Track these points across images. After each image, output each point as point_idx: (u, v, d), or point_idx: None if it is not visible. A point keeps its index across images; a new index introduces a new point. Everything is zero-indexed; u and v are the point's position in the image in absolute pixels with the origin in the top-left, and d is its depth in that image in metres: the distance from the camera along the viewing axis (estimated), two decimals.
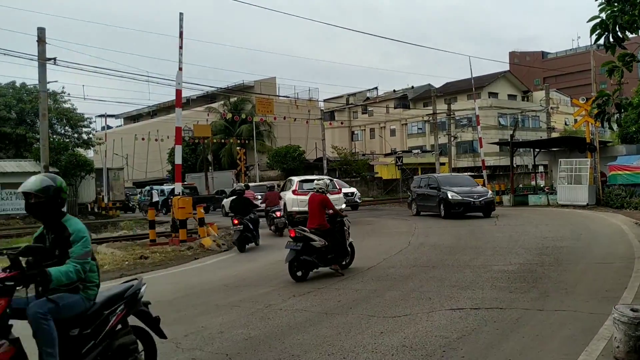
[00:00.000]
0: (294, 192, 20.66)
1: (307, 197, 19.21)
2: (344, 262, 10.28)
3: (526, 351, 5.17)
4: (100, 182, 43.39)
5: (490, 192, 22.42)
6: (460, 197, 20.27)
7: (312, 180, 20.84)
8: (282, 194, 21.76)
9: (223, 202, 31.59)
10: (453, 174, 27.85)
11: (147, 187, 42.87)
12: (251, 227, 15.06)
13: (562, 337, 5.55)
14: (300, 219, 19.19)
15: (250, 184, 26.88)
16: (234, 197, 16.75)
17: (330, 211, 10.16)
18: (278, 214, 18.04)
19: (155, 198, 36.37)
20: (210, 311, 7.56)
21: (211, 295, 8.74)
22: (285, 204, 20.58)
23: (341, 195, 21.99)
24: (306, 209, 19.36)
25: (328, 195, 10.74)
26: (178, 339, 6.14)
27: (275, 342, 5.83)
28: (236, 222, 14.97)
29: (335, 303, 7.63)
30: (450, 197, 20.36)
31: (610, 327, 5.14)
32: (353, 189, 31.67)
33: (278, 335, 6.13)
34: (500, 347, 5.31)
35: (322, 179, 11.07)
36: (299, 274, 9.56)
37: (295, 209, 20.05)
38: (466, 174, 29.93)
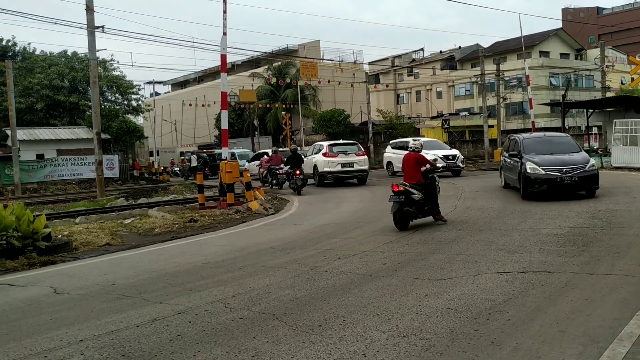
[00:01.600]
0: (324, 154, 22.90)
1: (336, 159, 22.84)
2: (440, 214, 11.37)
3: (574, 315, 5.09)
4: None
5: (591, 161, 14.35)
6: (542, 171, 13.75)
7: (341, 144, 24.34)
8: (309, 157, 24.19)
9: (246, 166, 32.00)
10: (549, 133, 18.82)
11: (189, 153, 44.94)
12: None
13: (612, 301, 5.44)
14: (332, 178, 22.91)
15: (268, 150, 30.67)
16: (290, 154, 21.91)
17: (427, 166, 11.12)
18: (297, 172, 20.63)
19: (194, 163, 38.29)
20: (258, 272, 7.73)
21: (259, 257, 8.92)
22: (315, 166, 23.27)
23: (365, 157, 23.90)
24: (337, 168, 22.87)
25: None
26: (227, 299, 6.32)
27: (320, 303, 5.93)
28: (298, 172, 20.31)
29: (380, 265, 7.67)
30: (529, 169, 14.00)
31: None
32: (454, 151, 26.12)
33: (323, 296, 6.23)
34: (548, 311, 5.24)
35: (418, 140, 11.87)
36: (403, 223, 10.68)
37: (327, 169, 22.77)
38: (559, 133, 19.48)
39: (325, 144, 23.92)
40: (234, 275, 7.65)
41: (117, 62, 46.57)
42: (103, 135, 27.29)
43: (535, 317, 5.10)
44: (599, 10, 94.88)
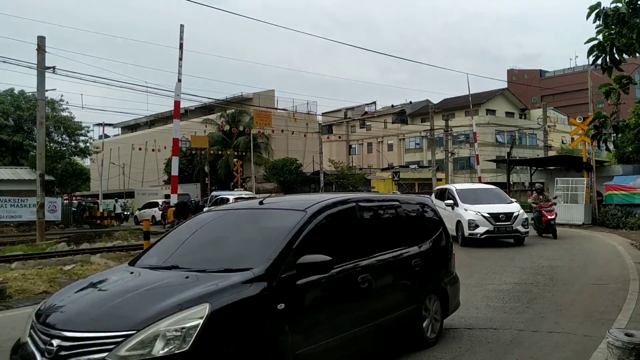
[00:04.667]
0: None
1: None
2: None
3: None
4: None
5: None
6: None
7: (244, 198, 27.80)
8: (210, 208, 27.81)
9: (136, 214, 37.83)
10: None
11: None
12: None
13: (555, 359, 5.50)
14: None
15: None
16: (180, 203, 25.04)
17: None
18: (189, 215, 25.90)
19: (118, 210, 40.26)
20: None
21: None
22: None
23: None
24: None
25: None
26: None
27: None
28: (189, 216, 25.21)
29: None
30: None
31: (604, 351, 5.07)
32: (514, 207, 16.53)
33: None
34: None
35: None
36: None
37: None
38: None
39: (231, 197, 27.88)
40: None
41: (67, 102, 45.24)
42: (47, 177, 26.43)
43: None
44: (541, 72, 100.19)
